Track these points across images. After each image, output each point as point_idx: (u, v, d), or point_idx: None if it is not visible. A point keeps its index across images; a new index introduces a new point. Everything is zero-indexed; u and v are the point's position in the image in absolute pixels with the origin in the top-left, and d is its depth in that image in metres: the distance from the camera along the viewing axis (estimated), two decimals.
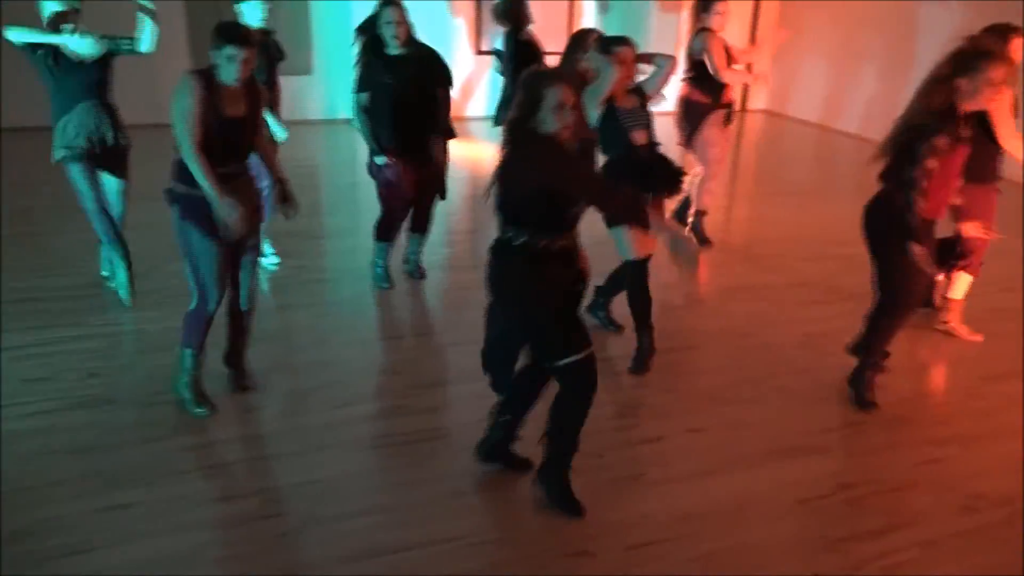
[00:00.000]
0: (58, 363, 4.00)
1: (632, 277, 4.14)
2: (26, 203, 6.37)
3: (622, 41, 3.92)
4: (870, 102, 10.04)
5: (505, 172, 2.78)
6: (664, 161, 3.99)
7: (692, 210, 5.92)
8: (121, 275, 4.61)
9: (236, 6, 4.77)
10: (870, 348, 3.86)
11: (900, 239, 3.51)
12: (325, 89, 9.70)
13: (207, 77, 3.23)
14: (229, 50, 3.17)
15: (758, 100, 11.90)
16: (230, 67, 3.20)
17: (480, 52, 10.07)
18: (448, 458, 3.39)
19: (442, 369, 4.27)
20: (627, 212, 2.93)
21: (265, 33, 4.81)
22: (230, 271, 3.52)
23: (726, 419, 3.76)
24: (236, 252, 3.50)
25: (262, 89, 3.53)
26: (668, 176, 3.93)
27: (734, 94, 5.72)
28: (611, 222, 3.97)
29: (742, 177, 8.58)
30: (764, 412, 3.83)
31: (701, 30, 5.45)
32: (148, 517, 2.94)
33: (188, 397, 3.58)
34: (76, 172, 4.37)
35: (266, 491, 3.16)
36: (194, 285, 3.45)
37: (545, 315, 2.82)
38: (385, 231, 4.98)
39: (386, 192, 4.82)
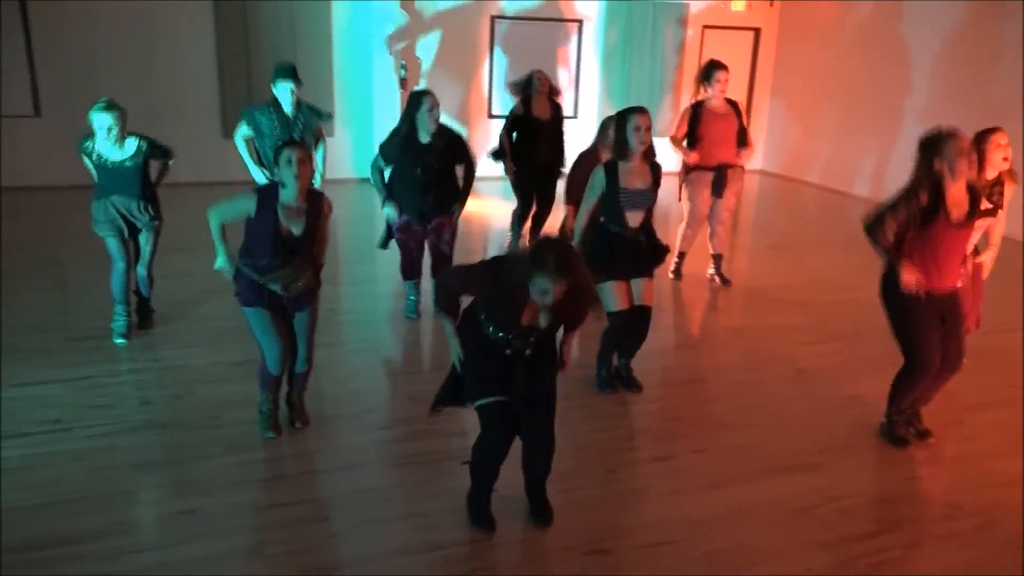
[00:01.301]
0: (115, 392, 4.38)
1: (615, 326, 4.47)
2: (61, 254, 6.83)
3: (635, 111, 4.33)
4: (859, 164, 10.59)
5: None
6: (650, 244, 4.46)
7: (676, 252, 6.66)
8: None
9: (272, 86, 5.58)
10: (892, 401, 4.15)
11: (897, 305, 3.90)
12: (346, 151, 10.26)
13: (269, 194, 3.61)
14: (287, 154, 3.51)
15: (752, 161, 12.48)
16: (290, 172, 3.50)
17: (491, 116, 10.68)
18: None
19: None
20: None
21: (299, 104, 5.65)
22: (284, 337, 3.80)
23: (727, 442, 4.12)
24: (287, 320, 3.82)
25: (327, 204, 3.80)
26: (651, 257, 4.47)
27: (724, 157, 6.27)
28: (597, 279, 4.25)
29: (740, 231, 9.04)
30: (761, 436, 4.18)
31: (691, 105, 6.27)
32: (210, 520, 3.29)
33: (261, 424, 3.98)
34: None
35: (314, 500, 3.51)
36: (257, 345, 3.83)
37: (467, 358, 3.24)
38: (406, 271, 5.62)
39: (400, 235, 5.42)
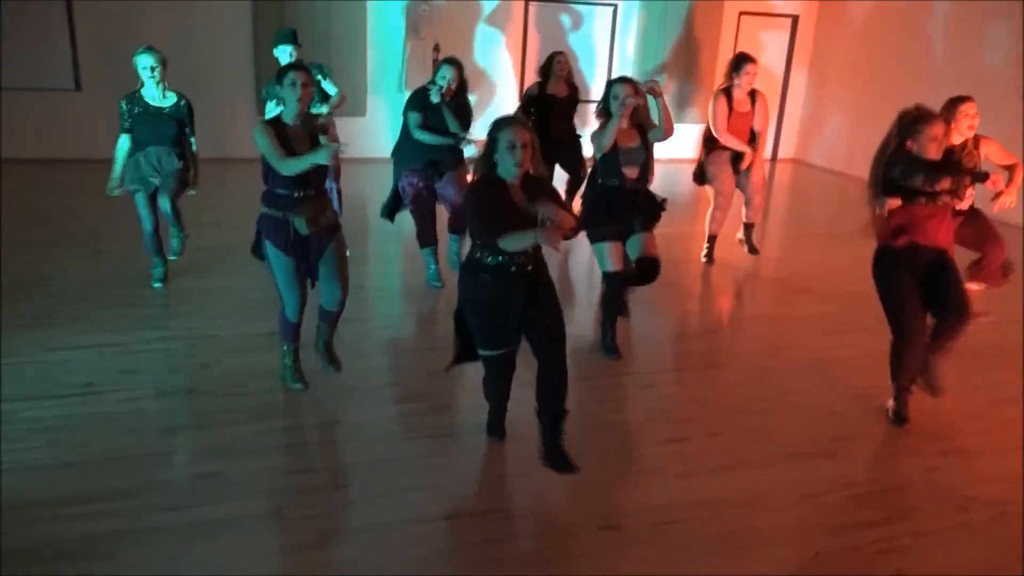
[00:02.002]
0: (145, 359, 4.51)
1: (609, 287, 4.80)
2: (98, 225, 7.01)
3: (620, 80, 4.68)
4: None
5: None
6: (648, 195, 4.76)
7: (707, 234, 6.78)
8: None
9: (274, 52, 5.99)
10: (893, 379, 4.22)
11: (881, 278, 4.14)
12: (377, 130, 10.34)
13: (275, 122, 3.81)
14: (292, 76, 3.76)
15: (787, 150, 12.38)
16: (293, 93, 3.73)
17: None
18: (490, 448, 3.81)
19: (482, 374, 4.69)
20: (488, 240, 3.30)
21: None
22: (303, 285, 4.00)
23: (743, 426, 4.14)
24: (308, 265, 3.98)
25: (318, 124, 4.02)
26: (648, 207, 4.74)
27: (743, 140, 6.42)
28: (592, 239, 4.74)
29: (772, 219, 8.99)
30: (778, 422, 4.20)
31: (720, 91, 6.35)
32: (232, 484, 3.40)
33: (288, 376, 4.18)
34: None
35: (333, 468, 3.62)
36: (278, 293, 4.01)
37: (476, 312, 3.41)
38: (422, 237, 5.80)
39: (412, 207, 5.68)
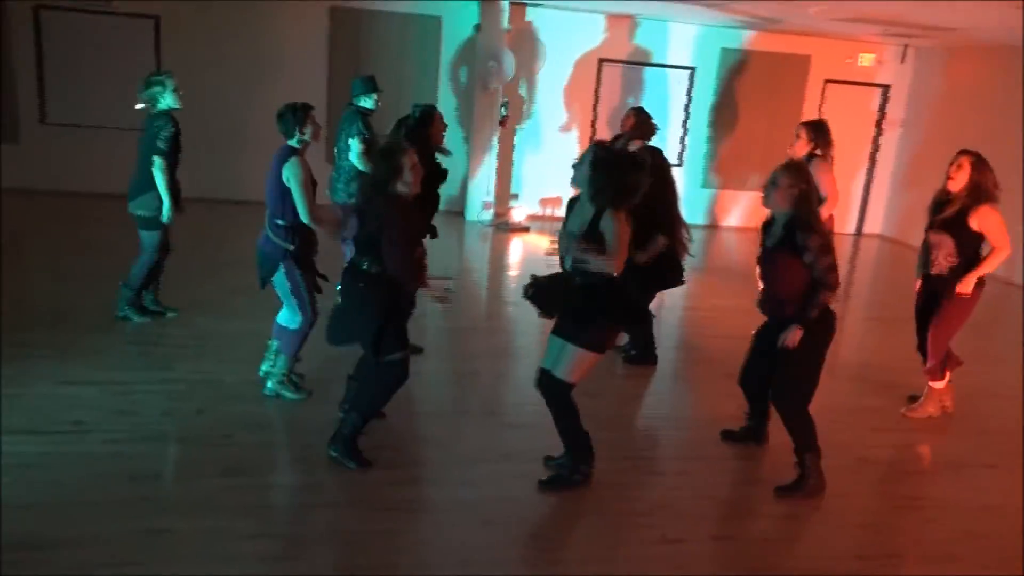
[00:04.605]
0: (143, 400, 4.42)
1: (560, 398, 3.74)
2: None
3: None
4: None
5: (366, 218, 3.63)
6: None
7: None
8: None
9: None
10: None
11: None
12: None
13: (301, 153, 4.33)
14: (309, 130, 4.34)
15: (872, 225, 11.72)
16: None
17: None
18: (438, 539, 3.50)
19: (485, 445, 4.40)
20: (403, 274, 3.63)
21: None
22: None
23: (756, 531, 3.73)
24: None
25: None
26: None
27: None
28: (560, 331, 3.71)
29: (843, 299, 8.41)
30: (798, 529, 3.77)
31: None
32: (180, 543, 3.21)
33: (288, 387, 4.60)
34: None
35: (291, 537, 3.37)
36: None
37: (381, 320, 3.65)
38: None
39: None
